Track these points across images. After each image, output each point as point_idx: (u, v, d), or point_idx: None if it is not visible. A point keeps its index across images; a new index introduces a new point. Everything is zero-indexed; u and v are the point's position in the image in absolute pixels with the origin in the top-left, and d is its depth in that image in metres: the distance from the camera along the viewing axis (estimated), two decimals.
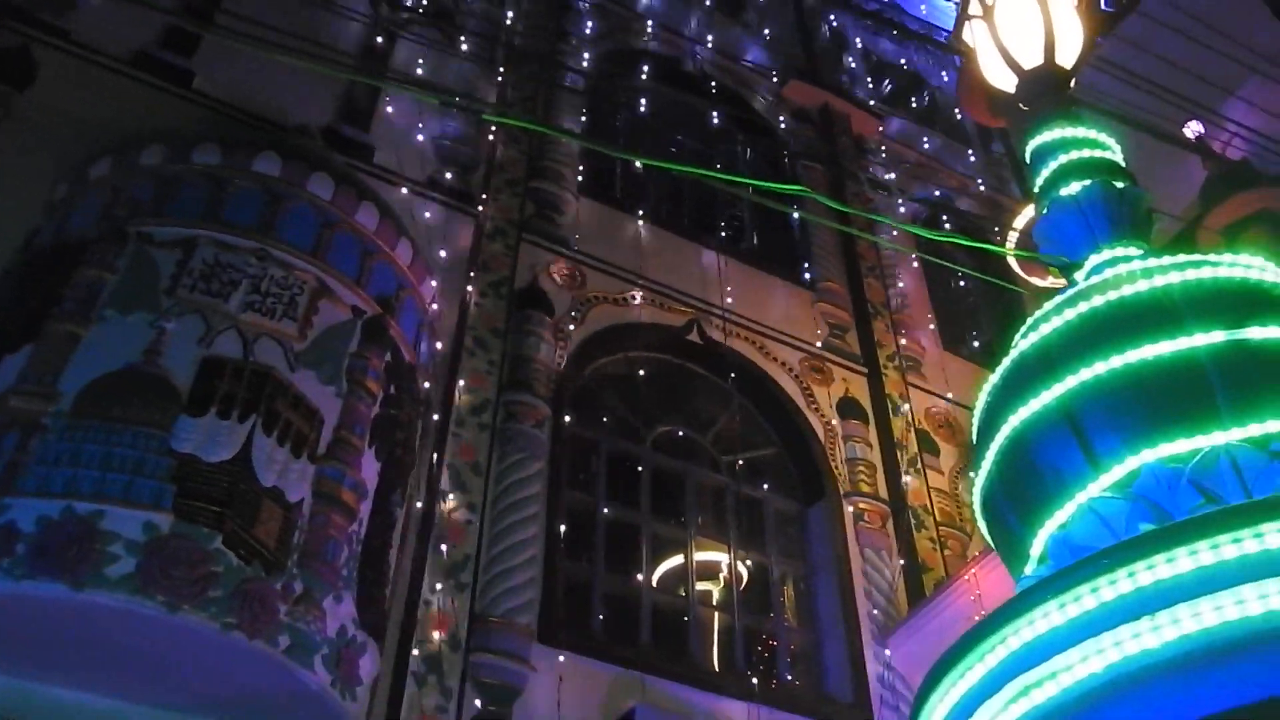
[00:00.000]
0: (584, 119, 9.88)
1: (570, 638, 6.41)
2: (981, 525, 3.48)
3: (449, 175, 8.30)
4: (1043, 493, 3.09)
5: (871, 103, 12.47)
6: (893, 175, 11.53)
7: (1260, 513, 2.37)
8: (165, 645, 4.89)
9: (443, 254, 7.68)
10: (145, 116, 6.98)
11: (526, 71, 9.39)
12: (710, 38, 11.70)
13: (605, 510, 7.49)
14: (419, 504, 6.42)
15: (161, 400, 5.25)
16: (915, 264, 10.57)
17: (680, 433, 8.29)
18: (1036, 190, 4.00)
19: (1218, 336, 2.99)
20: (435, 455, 6.64)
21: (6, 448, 4.95)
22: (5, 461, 4.90)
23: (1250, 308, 3.08)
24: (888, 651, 7.25)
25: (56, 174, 6.43)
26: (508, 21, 9.93)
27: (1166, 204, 7.86)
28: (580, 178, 9.09)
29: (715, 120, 11.06)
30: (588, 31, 10.68)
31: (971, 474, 3.70)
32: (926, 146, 12.42)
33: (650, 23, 11.33)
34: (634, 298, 8.50)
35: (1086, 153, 3.92)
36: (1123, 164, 3.97)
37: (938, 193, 11.91)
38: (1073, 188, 3.77)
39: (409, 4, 9.22)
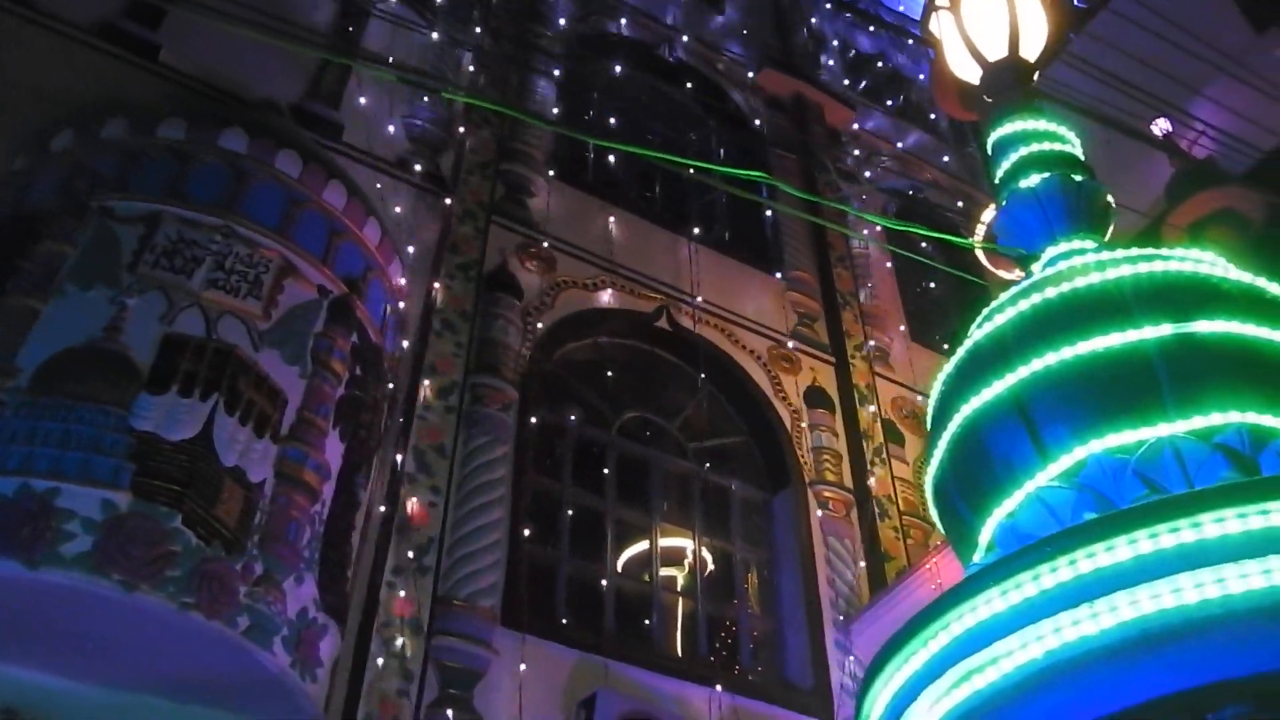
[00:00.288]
0: (557, 103, 9.83)
1: (533, 622, 6.41)
2: (933, 513, 3.52)
3: (419, 156, 8.24)
4: (992, 481, 3.13)
5: (846, 82, 12.49)
6: (864, 166, 11.57)
7: (1197, 503, 2.41)
8: (122, 625, 4.85)
9: (411, 235, 7.63)
10: (109, 89, 6.88)
11: (500, 53, 9.33)
12: (687, 24, 11.67)
13: (571, 495, 7.50)
14: (383, 486, 6.39)
15: (121, 377, 5.19)
16: (885, 256, 10.62)
17: (647, 419, 8.30)
18: (996, 182, 4.03)
19: (1165, 330, 3.04)
20: (400, 438, 6.61)
21: None
22: None
23: (1198, 302, 3.13)
24: (849, 639, 7.32)
25: (15, 145, 6.32)
26: (482, 2, 9.85)
27: (1134, 200, 7.96)
28: (552, 163, 9.05)
29: (689, 107, 11.05)
30: (562, 15, 10.62)
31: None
32: (899, 138, 12.47)
33: (626, 7, 11.28)
34: (603, 284, 8.49)
35: (1047, 146, 3.96)
36: (1082, 158, 4.01)
37: (909, 186, 11.97)
38: (1032, 180, 3.81)
39: None
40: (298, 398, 5.75)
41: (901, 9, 14.27)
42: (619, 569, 7.55)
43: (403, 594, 5.99)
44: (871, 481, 8.38)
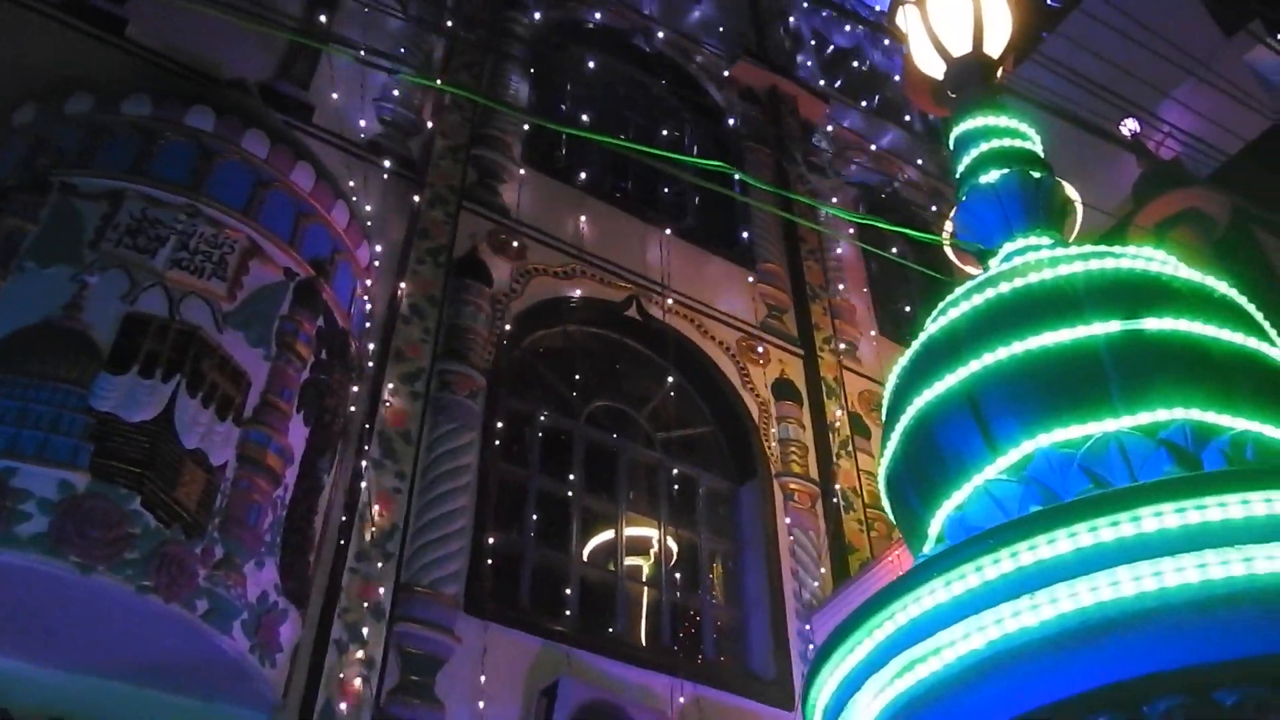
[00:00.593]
0: (531, 91, 9.79)
1: (497, 609, 6.42)
2: (886, 505, 3.55)
3: (390, 140, 8.18)
4: (943, 474, 3.16)
5: (821, 82, 12.50)
6: (837, 161, 11.59)
7: (1136, 497, 2.45)
8: (79, 607, 4.81)
9: (381, 219, 7.58)
10: (73, 63, 6.77)
11: (474, 38, 9.27)
12: (664, 15, 11.62)
13: (537, 483, 7.50)
14: (347, 471, 6.36)
15: (81, 356, 5.14)
16: (852, 248, 10.65)
17: (616, 409, 8.30)
18: (957, 177, 4.06)
19: (1114, 326, 3.08)
20: (366, 423, 6.58)
21: None
22: None
23: (1148, 299, 3.17)
24: (811, 630, 7.37)
25: None
26: None
27: (1102, 199, 8.04)
28: (525, 150, 9.01)
29: (664, 97, 11.02)
30: (538, 1, 10.55)
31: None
32: (873, 134, 12.50)
33: None
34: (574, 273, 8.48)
35: (1007, 142, 3.99)
36: (1042, 154, 4.04)
37: (882, 181, 12.01)
38: (991, 176, 3.84)
39: None
40: (261, 380, 5.71)
41: (879, 9, 14.29)
42: (584, 558, 7.56)
43: (365, 580, 5.96)
44: (837, 474, 8.42)
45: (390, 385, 6.80)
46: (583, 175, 9.42)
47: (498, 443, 7.22)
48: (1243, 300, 3.34)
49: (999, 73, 4.36)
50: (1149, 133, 8.82)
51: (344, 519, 6.16)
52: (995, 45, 4.30)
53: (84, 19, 7.26)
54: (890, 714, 2.61)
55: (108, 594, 4.72)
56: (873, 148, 12.27)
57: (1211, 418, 2.99)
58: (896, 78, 13.49)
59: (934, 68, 4.48)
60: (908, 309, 11.07)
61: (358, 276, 6.86)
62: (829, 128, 11.98)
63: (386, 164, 7.99)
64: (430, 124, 8.45)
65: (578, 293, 8.45)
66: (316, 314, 6.22)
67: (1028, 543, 2.47)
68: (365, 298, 7.00)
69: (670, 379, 8.42)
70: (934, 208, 11.91)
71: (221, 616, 5.01)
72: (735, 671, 7.34)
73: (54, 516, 4.66)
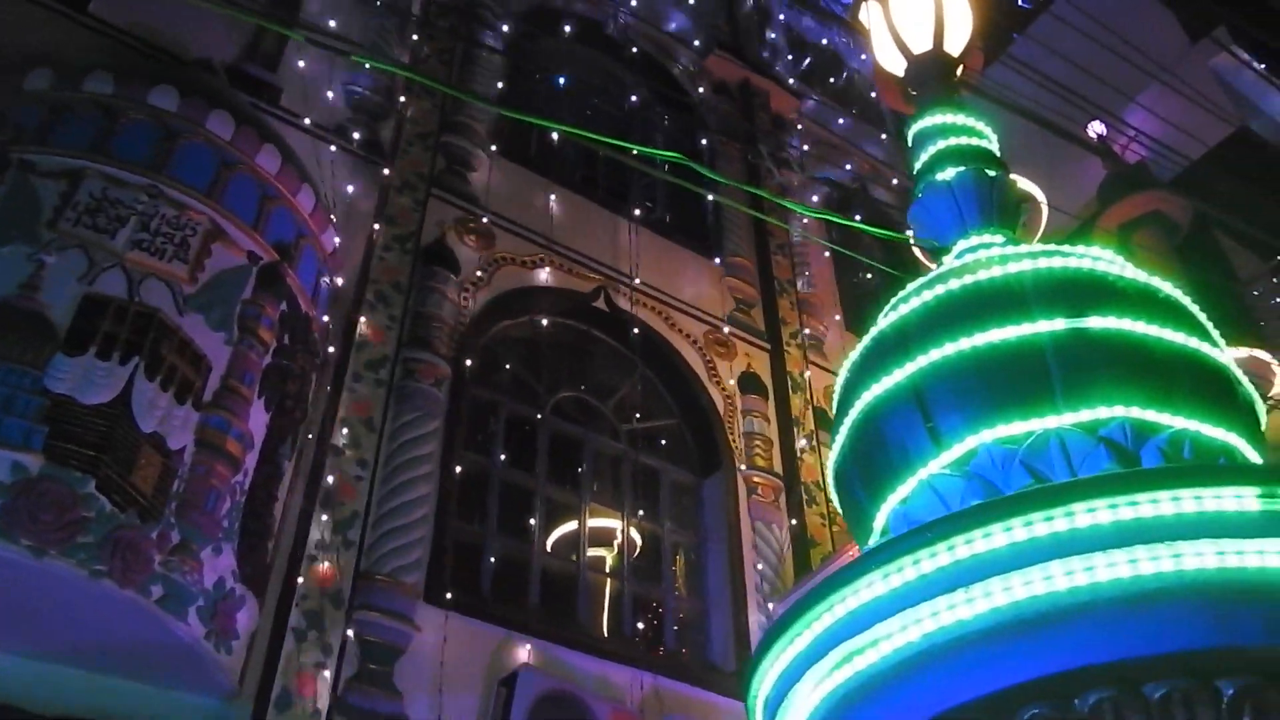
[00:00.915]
0: (501, 77, 9.73)
1: (458, 598, 6.39)
2: (834, 498, 3.58)
3: (358, 124, 8.11)
4: (889, 468, 3.20)
5: (792, 81, 12.52)
6: (807, 156, 11.62)
7: (1071, 493, 2.49)
8: (31, 592, 4.74)
9: (348, 204, 7.53)
10: (33, 38, 6.64)
11: (445, 25, 9.21)
12: (638, 4, 11.59)
13: (501, 473, 7.49)
14: (309, 458, 6.33)
15: (36, 337, 5.05)
16: (823, 247, 10.69)
17: (581, 399, 8.30)
18: (915, 173, 4.09)
19: (1059, 324, 3.12)
20: (328, 409, 6.54)
21: None
22: None
23: (1093, 298, 3.21)
24: (771, 623, 7.41)
25: None
26: None
27: (1068, 201, 8.13)
28: (494, 137, 8.97)
29: (635, 88, 11.00)
30: None
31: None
32: (843, 131, 12.53)
33: None
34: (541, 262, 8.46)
35: (964, 140, 4.02)
36: (997, 153, 4.08)
37: (851, 177, 12.06)
38: (947, 173, 3.87)
39: None
40: (222, 365, 5.65)
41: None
42: (547, 548, 7.56)
43: (325, 567, 5.94)
44: (801, 468, 8.47)
45: (354, 372, 6.76)
46: (553, 164, 9.39)
47: (462, 431, 7.20)
48: (1187, 301, 3.39)
49: (962, 70, 4.39)
50: (1115, 136, 8.92)
51: (304, 506, 6.12)
52: (956, 43, 4.33)
53: None
54: (829, 705, 2.64)
55: (61, 578, 4.66)
56: (843, 142, 12.29)
57: (1151, 416, 3.03)
58: (864, 74, 13.53)
59: (896, 65, 4.50)
60: (875, 304, 11.10)
61: (322, 261, 6.81)
62: (800, 123, 12.00)
63: (354, 148, 7.93)
64: (400, 107, 8.38)
65: (545, 282, 8.43)
66: (280, 298, 6.16)
67: (964, 537, 2.50)
68: (329, 283, 6.95)
69: (637, 371, 8.42)
70: (904, 205, 11.96)
71: (177, 602, 4.96)
72: (696, 663, 7.37)
73: (6, 499, 4.59)
